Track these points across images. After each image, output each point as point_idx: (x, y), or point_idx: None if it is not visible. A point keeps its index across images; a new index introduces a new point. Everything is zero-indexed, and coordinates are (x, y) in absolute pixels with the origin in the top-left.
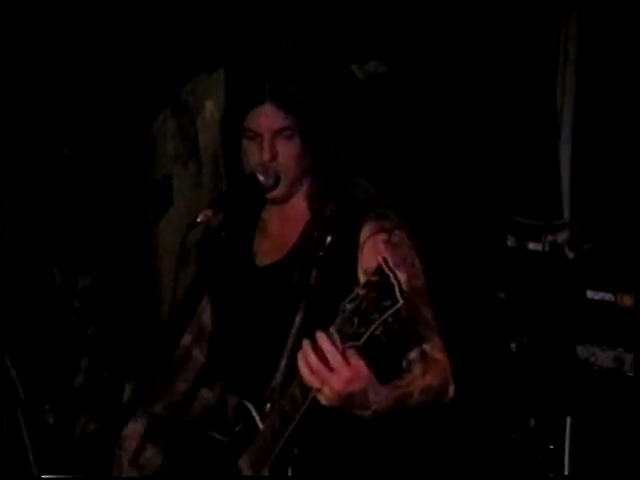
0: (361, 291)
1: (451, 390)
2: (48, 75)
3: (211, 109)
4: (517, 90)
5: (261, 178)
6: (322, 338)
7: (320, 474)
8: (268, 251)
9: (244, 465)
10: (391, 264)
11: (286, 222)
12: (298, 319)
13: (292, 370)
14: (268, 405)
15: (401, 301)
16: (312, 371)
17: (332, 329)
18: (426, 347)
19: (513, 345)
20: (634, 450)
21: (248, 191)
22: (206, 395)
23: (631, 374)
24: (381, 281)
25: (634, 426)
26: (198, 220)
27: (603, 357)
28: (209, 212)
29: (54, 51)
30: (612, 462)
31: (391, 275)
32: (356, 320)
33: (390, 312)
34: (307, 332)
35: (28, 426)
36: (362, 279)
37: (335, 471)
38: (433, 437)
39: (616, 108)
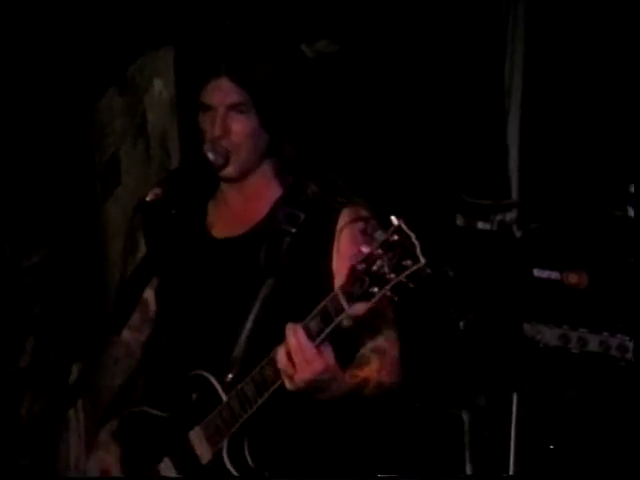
0: (376, 251)
1: (398, 384)
2: None
3: (159, 87)
4: (465, 70)
5: (211, 157)
6: (299, 330)
7: (276, 447)
8: (227, 224)
9: (196, 437)
10: (366, 254)
11: (249, 199)
12: (263, 293)
13: (254, 344)
14: (230, 375)
15: (423, 260)
16: (289, 357)
17: (337, 290)
18: (383, 343)
19: (461, 323)
20: (579, 427)
21: (199, 169)
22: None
23: (576, 351)
24: (401, 240)
25: (579, 403)
26: (147, 199)
27: (549, 335)
28: (158, 190)
29: None
30: (558, 439)
31: (412, 235)
32: (367, 280)
33: (410, 271)
34: (273, 307)
35: None
36: (338, 263)
37: (291, 443)
38: (381, 415)
39: (565, 88)
